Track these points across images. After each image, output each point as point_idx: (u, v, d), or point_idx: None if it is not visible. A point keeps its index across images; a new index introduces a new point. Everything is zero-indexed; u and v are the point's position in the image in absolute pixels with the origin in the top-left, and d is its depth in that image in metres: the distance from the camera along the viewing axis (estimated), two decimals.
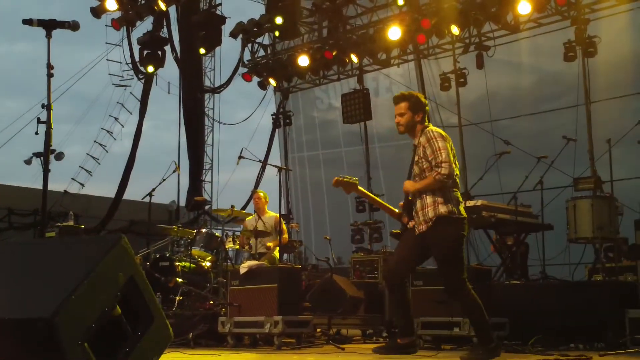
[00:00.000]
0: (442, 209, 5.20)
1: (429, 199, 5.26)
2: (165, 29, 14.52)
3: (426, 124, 5.48)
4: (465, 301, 5.24)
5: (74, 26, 4.46)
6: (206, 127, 18.28)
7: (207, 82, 18.31)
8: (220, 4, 14.54)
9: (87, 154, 18.07)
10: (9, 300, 2.77)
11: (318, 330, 7.69)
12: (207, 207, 16.80)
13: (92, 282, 2.69)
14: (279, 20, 13.11)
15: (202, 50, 14.35)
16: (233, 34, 14.26)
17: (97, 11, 13.36)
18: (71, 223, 10.09)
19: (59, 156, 14.06)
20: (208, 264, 9.08)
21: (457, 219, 5.26)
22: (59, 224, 10.00)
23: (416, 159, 5.37)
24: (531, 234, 8.78)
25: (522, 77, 14.84)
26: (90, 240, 3.20)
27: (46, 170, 4.33)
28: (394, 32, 12.68)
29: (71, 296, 2.59)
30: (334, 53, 13.91)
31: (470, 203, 8.05)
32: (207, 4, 14.85)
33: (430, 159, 5.22)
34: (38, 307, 2.61)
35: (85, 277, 2.68)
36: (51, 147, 4.48)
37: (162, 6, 13.40)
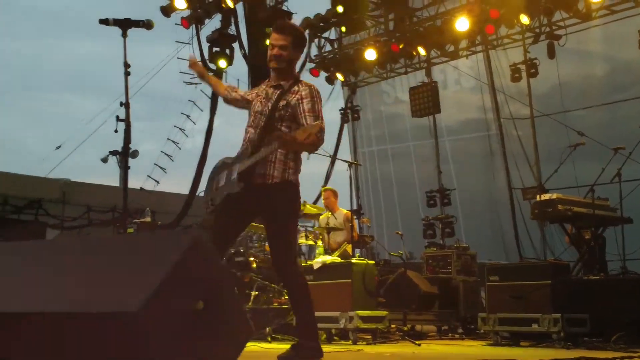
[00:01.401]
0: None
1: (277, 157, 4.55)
2: (233, 26, 14.64)
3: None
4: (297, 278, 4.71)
5: (148, 25, 4.50)
6: None
7: None
8: (286, 0, 14.59)
9: (161, 151, 18.41)
10: (91, 294, 2.79)
11: (393, 326, 7.65)
12: None
13: (175, 277, 2.69)
14: (340, 9, 13.08)
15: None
16: None
17: (167, 10, 13.59)
18: (148, 219, 10.30)
19: (134, 154, 14.40)
20: None
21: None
22: (137, 220, 10.22)
23: (282, 103, 4.55)
24: (609, 227, 8.53)
25: (595, 66, 14.44)
26: (170, 236, 3.23)
27: (126, 168, 4.40)
28: (462, 23, 12.53)
29: (155, 290, 2.60)
30: (400, 46, 13.83)
31: (545, 196, 7.88)
32: (274, 0, 14.91)
33: (306, 115, 4.46)
34: (122, 301, 2.63)
35: (168, 272, 2.68)
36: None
37: (230, 3, 13.54)
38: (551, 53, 12.41)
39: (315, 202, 12.99)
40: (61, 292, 2.87)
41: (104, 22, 4.41)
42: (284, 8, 14.42)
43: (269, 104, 4.57)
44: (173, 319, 2.72)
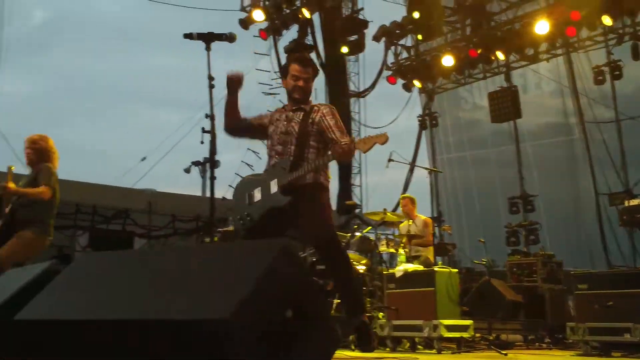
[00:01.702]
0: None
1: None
2: (309, 36, 14.77)
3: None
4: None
5: (230, 38, 4.57)
6: (353, 131, 18.43)
7: (352, 87, 18.46)
8: (362, 9, 14.62)
9: (242, 161, 18.67)
10: (181, 302, 2.83)
11: (477, 335, 7.53)
12: (357, 210, 16.90)
13: (264, 284, 2.71)
14: (416, 14, 13.04)
15: (344, 49, 14.48)
16: (376, 37, 14.32)
17: (245, 22, 13.84)
18: (231, 228, 10.43)
19: (216, 164, 14.62)
20: (362, 267, 9.12)
21: None
22: (220, 229, 10.37)
23: (309, 121, 4.97)
24: None
25: None
26: (256, 244, 3.26)
27: (212, 179, 4.46)
28: (542, 26, 12.30)
29: (245, 298, 2.62)
30: (479, 51, 13.67)
31: (635, 202, 7.65)
32: (350, 9, 14.96)
33: (333, 129, 4.91)
34: (213, 308, 2.66)
35: (257, 279, 2.70)
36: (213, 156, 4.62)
37: (307, 14, 13.67)
38: (635, 54, 12.02)
39: (394, 210, 12.94)
40: (153, 300, 2.92)
41: (188, 36, 4.49)
42: (360, 17, 14.46)
43: (293, 124, 4.98)
44: (263, 326, 2.73)
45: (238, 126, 5.13)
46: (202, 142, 4.55)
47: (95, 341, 2.98)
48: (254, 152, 18.46)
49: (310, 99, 5.15)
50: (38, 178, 6.17)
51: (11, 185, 6.04)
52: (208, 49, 4.49)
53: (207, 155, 4.67)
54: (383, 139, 4.56)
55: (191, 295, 2.84)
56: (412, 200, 9.64)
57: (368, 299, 8.19)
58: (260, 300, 2.69)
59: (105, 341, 2.97)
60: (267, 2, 14.15)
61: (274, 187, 4.81)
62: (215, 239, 9.64)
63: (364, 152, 4.77)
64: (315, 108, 5.01)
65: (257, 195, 4.94)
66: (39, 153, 6.36)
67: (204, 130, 4.43)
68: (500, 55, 13.75)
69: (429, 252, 8.89)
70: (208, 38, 4.49)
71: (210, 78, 4.44)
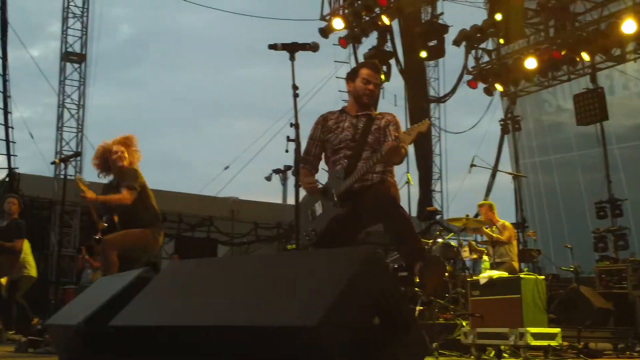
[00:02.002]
0: None
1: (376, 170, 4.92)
2: (389, 43, 14.75)
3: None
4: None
5: (314, 47, 4.60)
6: (433, 137, 18.32)
7: (431, 92, 18.36)
8: (442, 13, 14.50)
9: (321, 168, 18.80)
10: (268, 309, 2.85)
11: (565, 343, 7.35)
12: (438, 216, 16.78)
13: (350, 292, 2.71)
14: (498, 16, 12.86)
15: (423, 54, 14.41)
16: (456, 42, 14.18)
17: (325, 31, 13.95)
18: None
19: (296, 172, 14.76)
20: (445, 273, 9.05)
21: None
22: (297, 234, 10.43)
23: (374, 127, 4.94)
24: None
25: None
26: (343, 251, 3.27)
27: (297, 186, 4.50)
28: (629, 26, 11.94)
29: (332, 305, 2.62)
30: (562, 52, 13.37)
31: None
32: (429, 15, 14.87)
33: (394, 135, 4.80)
34: (302, 315, 2.66)
35: (344, 287, 2.69)
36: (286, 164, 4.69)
37: (386, 21, 13.67)
38: None
39: (476, 216, 12.79)
40: (241, 306, 2.97)
41: (273, 47, 4.53)
42: (440, 21, 14.36)
43: (358, 130, 4.94)
44: (350, 334, 2.73)
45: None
46: (286, 151, 4.58)
47: (185, 347, 3.06)
48: None
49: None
50: (120, 182, 6.26)
51: (90, 194, 6.11)
52: (292, 58, 4.53)
53: (287, 163, 4.76)
54: (425, 126, 4.59)
55: (278, 302, 2.86)
56: (491, 207, 9.50)
57: (451, 306, 8.12)
58: (347, 308, 2.69)
59: (195, 347, 3.04)
60: (346, 11, 14.22)
61: (332, 197, 4.80)
62: (294, 246, 9.72)
63: (409, 144, 4.62)
64: (380, 115, 5.00)
65: (319, 209, 4.95)
66: (122, 156, 6.42)
67: (289, 139, 4.46)
68: (585, 56, 13.41)
69: (513, 255, 8.74)
70: (292, 48, 4.54)
71: (295, 87, 4.47)
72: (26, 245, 9.85)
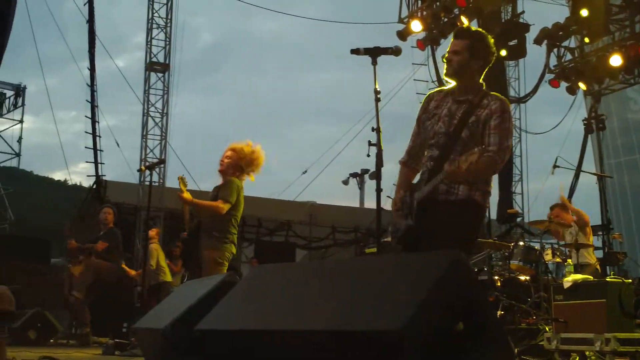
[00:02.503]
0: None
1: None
2: None
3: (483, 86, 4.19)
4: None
5: (396, 51, 4.54)
6: (513, 137, 18.01)
7: (511, 92, 18.05)
8: (522, 12, 14.27)
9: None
10: (352, 313, 2.86)
11: None
12: (518, 219, 16.48)
13: (435, 296, 2.68)
14: (584, 12, 12.55)
15: (503, 53, 14.20)
16: (537, 41, 13.93)
17: (403, 34, 13.94)
18: (390, 239, 10.46)
19: (373, 175, 14.80)
20: (526, 277, 8.89)
21: None
22: (383, 240, 10.42)
23: (472, 119, 4.07)
24: None
25: None
26: (426, 256, 3.25)
27: (378, 190, 4.46)
28: None
29: (417, 310, 2.60)
30: None
31: None
32: (509, 14, 14.64)
33: (491, 132, 4.00)
34: (384, 320, 2.65)
35: (429, 291, 2.67)
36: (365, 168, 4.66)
37: (465, 21, 13.54)
38: None
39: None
40: (325, 311, 2.99)
41: (355, 51, 4.50)
42: (521, 20, 14.13)
43: (454, 122, 4.11)
44: (435, 339, 2.71)
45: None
46: (368, 155, 4.52)
47: (269, 351, 3.11)
48: None
49: (474, 81, 4.21)
50: (220, 191, 6.36)
51: (187, 195, 6.27)
52: (374, 63, 4.48)
53: (364, 166, 4.73)
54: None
55: (361, 307, 2.87)
56: (562, 207, 9.27)
57: (533, 311, 7.97)
58: (432, 312, 2.67)
59: (279, 351, 3.08)
60: (424, 13, 14.16)
61: (414, 203, 4.26)
62: (373, 250, 9.73)
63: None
64: (484, 102, 4.08)
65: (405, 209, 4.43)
66: (230, 163, 6.49)
67: (370, 144, 4.41)
68: None
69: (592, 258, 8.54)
70: (374, 52, 4.49)
71: (377, 92, 4.42)
72: (161, 254, 10.81)
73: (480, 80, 4.22)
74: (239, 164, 6.46)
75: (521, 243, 9.03)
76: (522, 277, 8.88)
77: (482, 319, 3.01)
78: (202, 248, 6.29)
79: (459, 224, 4.02)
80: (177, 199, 6.38)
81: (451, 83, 4.26)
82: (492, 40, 4.24)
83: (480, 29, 4.33)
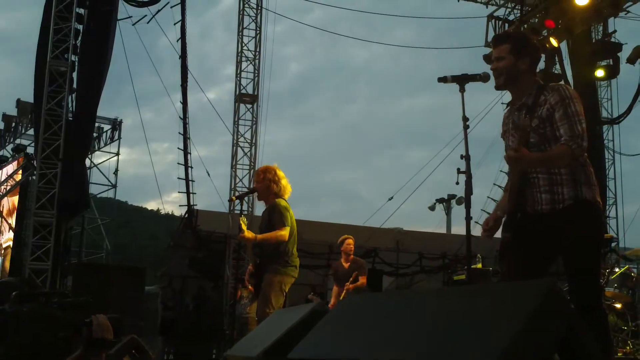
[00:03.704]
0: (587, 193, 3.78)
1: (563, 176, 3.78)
2: (557, 65, 14.34)
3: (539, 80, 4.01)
4: (603, 323, 3.68)
5: (484, 78, 4.47)
6: (607, 159, 17.50)
7: (604, 113, 17.57)
8: (615, 31, 13.92)
9: (488, 196, 18.44)
10: (443, 347, 2.82)
11: None
12: (613, 244, 15.93)
13: (529, 330, 2.60)
14: None
15: (599, 73, 13.87)
16: (630, 60, 13.53)
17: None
18: (479, 265, 10.34)
19: (460, 200, 14.64)
20: (622, 304, 8.58)
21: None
22: (468, 267, 10.29)
23: (535, 123, 3.78)
24: None
25: None
26: (520, 286, 3.19)
27: (468, 219, 4.40)
28: None
29: (509, 345, 2.53)
30: None
31: None
32: (600, 33, 14.32)
33: (559, 125, 3.73)
34: (476, 355, 2.60)
35: (523, 325, 2.60)
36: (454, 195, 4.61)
37: (554, 43, 13.31)
38: None
39: None
40: (415, 344, 2.96)
41: (443, 80, 4.48)
42: (613, 40, 13.79)
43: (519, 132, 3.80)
44: None
45: None
46: (457, 183, 4.45)
47: None
48: (499, 187, 18.18)
49: (526, 80, 3.98)
50: (272, 219, 6.33)
51: (248, 234, 6.23)
52: (462, 90, 4.43)
53: (450, 192, 4.68)
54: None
55: (453, 340, 2.83)
56: None
57: (630, 340, 7.70)
58: (525, 346, 2.60)
59: None
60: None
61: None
62: (462, 277, 9.61)
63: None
64: (542, 99, 3.83)
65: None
66: (267, 186, 6.47)
67: (459, 171, 4.34)
68: None
69: None
70: (462, 80, 4.45)
71: (465, 119, 4.38)
72: None
73: (534, 79, 4.02)
74: (270, 186, 6.45)
75: (617, 269, 8.74)
76: (618, 305, 8.59)
77: (580, 350, 2.93)
78: (266, 273, 6.28)
79: (577, 234, 3.71)
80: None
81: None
82: (533, 37, 4.15)
83: (516, 32, 4.31)
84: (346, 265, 9.52)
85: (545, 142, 3.78)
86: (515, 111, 3.98)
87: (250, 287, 12.09)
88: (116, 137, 20.11)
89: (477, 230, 4.65)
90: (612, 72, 14.13)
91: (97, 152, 20.36)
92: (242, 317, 12.56)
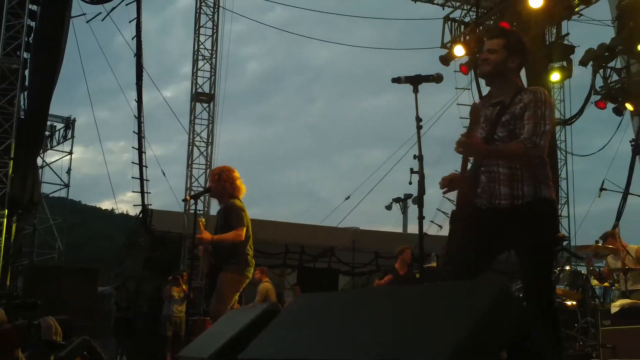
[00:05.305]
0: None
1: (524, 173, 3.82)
2: None
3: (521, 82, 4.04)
4: (554, 320, 3.73)
5: (438, 78, 4.50)
6: (559, 160, 17.80)
7: (557, 115, 17.86)
8: (567, 34, 14.16)
9: (443, 196, 18.59)
10: (394, 345, 2.84)
11: None
12: (565, 243, 16.21)
13: (479, 329, 2.64)
14: None
15: (555, 76, 14.11)
16: (583, 62, 13.78)
17: (446, 59, 13.97)
18: (434, 264, 10.40)
19: (415, 200, 14.71)
20: (573, 302, 8.73)
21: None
22: (424, 266, 10.36)
23: (505, 118, 3.86)
24: None
25: None
26: (470, 286, 3.21)
27: (420, 218, 4.41)
28: None
29: (460, 342, 2.58)
30: None
31: None
32: (554, 36, 14.55)
33: (525, 123, 3.78)
34: (427, 352, 2.63)
35: (473, 323, 2.64)
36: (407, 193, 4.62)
37: None
38: None
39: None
40: (367, 342, 2.95)
41: (396, 80, 4.47)
42: (566, 42, 14.03)
43: (490, 128, 3.90)
44: None
45: None
46: (410, 183, 4.49)
47: None
48: None
49: (511, 79, 3.99)
50: (228, 219, 6.30)
51: (206, 235, 6.23)
52: (415, 91, 4.43)
53: (407, 191, 4.68)
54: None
55: (404, 339, 2.85)
56: (613, 235, 9.09)
57: (580, 337, 7.82)
58: (475, 345, 2.63)
59: None
60: (467, 37, 14.16)
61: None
62: (417, 275, 9.71)
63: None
64: (518, 98, 3.86)
65: None
66: (222, 186, 6.45)
67: (412, 171, 4.38)
68: None
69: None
70: (415, 80, 4.44)
71: (418, 119, 4.37)
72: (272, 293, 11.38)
73: (517, 81, 4.03)
74: (226, 186, 6.44)
75: (567, 267, 8.89)
76: (569, 302, 8.73)
77: (533, 350, 2.95)
78: (221, 273, 6.23)
79: (534, 232, 3.76)
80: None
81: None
82: (527, 41, 4.13)
83: (512, 30, 4.33)
84: (401, 272, 10.13)
85: (513, 138, 3.80)
86: (490, 106, 3.99)
87: (184, 286, 12.14)
88: (69, 135, 19.81)
89: (431, 230, 4.65)
90: (565, 74, 14.37)
91: (49, 151, 20.04)
92: (172, 316, 12.52)
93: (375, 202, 20.78)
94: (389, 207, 19.31)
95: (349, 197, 19.88)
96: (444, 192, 4.01)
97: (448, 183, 3.96)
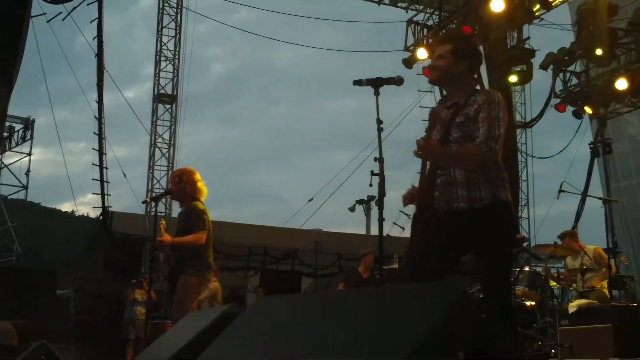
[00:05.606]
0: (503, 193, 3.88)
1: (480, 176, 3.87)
2: None
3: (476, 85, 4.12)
4: (512, 320, 3.82)
5: (398, 81, 4.51)
6: (520, 162, 18.03)
7: (517, 117, 18.10)
8: (528, 38, 14.32)
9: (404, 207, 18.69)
10: (354, 346, 2.84)
11: None
12: (525, 244, 16.42)
13: (439, 330, 2.65)
14: (598, 52, 12.50)
15: (512, 79, 14.26)
16: (543, 66, 13.95)
17: (409, 62, 14.01)
18: (396, 266, 10.44)
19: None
20: (532, 303, 8.82)
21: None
22: (385, 267, 10.41)
23: (459, 120, 3.91)
24: None
25: None
26: (429, 288, 3.22)
27: (380, 220, 4.41)
28: None
29: (416, 345, 2.57)
30: None
31: None
32: (515, 40, 14.71)
33: (479, 125, 3.83)
34: (383, 355, 2.63)
35: (430, 326, 2.64)
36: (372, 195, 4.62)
37: None
38: None
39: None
40: (327, 345, 2.94)
41: (358, 83, 4.48)
42: (527, 46, 14.18)
43: (444, 130, 3.96)
44: None
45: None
46: (370, 185, 4.50)
47: None
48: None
49: (462, 83, 4.06)
50: (190, 222, 6.27)
51: (167, 237, 6.15)
52: (377, 93, 4.44)
53: (370, 193, 4.69)
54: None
55: (362, 341, 2.85)
56: (572, 235, 9.22)
57: (539, 337, 7.91)
58: (434, 346, 2.63)
59: None
60: (430, 40, 14.25)
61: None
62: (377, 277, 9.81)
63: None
64: (472, 100, 3.91)
65: None
66: (182, 188, 6.42)
67: (372, 173, 4.40)
68: None
69: (604, 282, 8.46)
70: (377, 83, 4.46)
71: (379, 122, 4.39)
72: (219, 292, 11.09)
73: (471, 83, 4.11)
74: (187, 188, 6.41)
75: (527, 268, 8.98)
76: (528, 303, 8.82)
77: (493, 350, 2.96)
78: (181, 276, 6.20)
79: (493, 233, 3.81)
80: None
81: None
82: (477, 42, 4.27)
83: (463, 34, 4.42)
84: (364, 275, 10.31)
85: (467, 140, 3.84)
86: (445, 109, 4.05)
87: (147, 289, 12.06)
88: (28, 136, 19.51)
89: (394, 231, 4.67)
90: (526, 77, 14.51)
91: (7, 152, 19.71)
92: (135, 319, 12.41)
93: (338, 204, 20.82)
94: (352, 209, 19.40)
95: (312, 199, 19.90)
96: (405, 205, 4.08)
97: (410, 198, 4.06)
